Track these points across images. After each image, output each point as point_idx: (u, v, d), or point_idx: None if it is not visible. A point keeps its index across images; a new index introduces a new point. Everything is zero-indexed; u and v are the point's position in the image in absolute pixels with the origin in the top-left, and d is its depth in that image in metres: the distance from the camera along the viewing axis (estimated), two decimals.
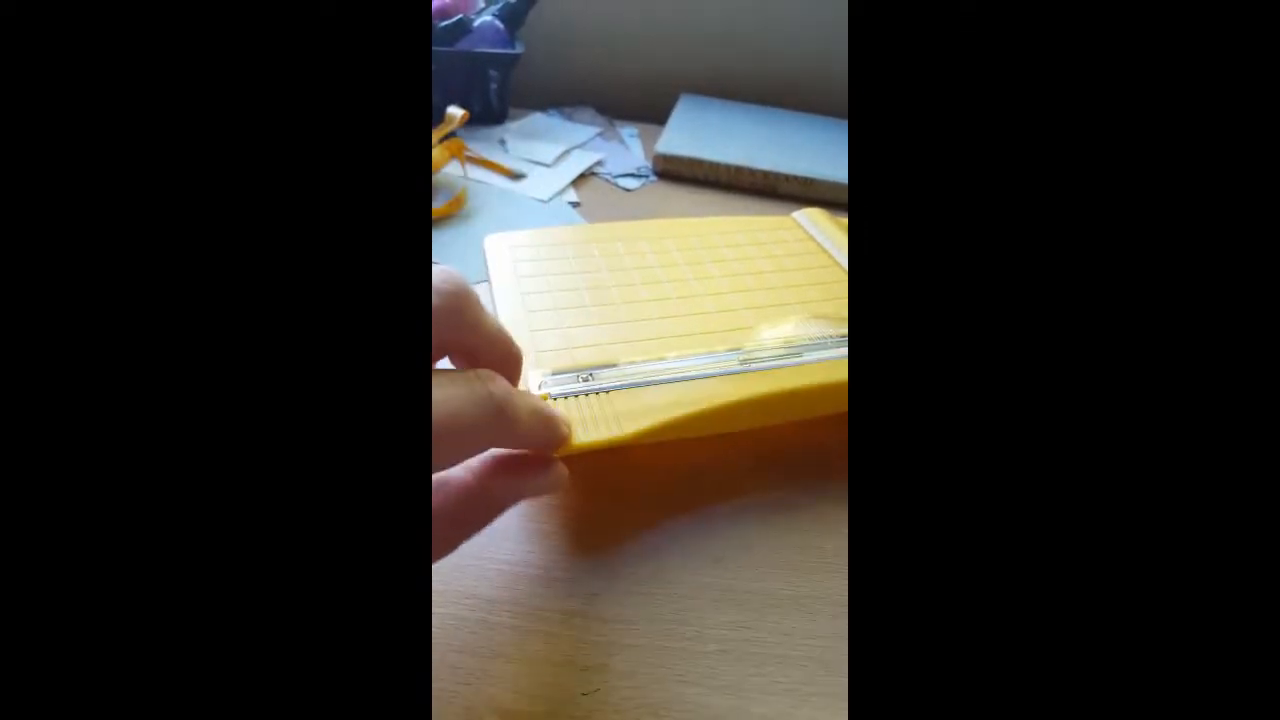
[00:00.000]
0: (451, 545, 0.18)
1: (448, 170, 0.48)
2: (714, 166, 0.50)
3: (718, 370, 0.26)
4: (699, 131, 0.54)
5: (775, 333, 0.28)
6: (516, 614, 0.21)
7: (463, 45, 0.53)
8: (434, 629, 0.21)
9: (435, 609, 0.21)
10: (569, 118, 0.59)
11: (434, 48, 0.52)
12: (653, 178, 0.51)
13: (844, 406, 0.27)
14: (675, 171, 0.51)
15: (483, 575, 0.22)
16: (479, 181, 0.48)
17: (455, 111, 0.46)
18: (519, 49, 0.55)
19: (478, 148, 0.51)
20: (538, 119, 0.58)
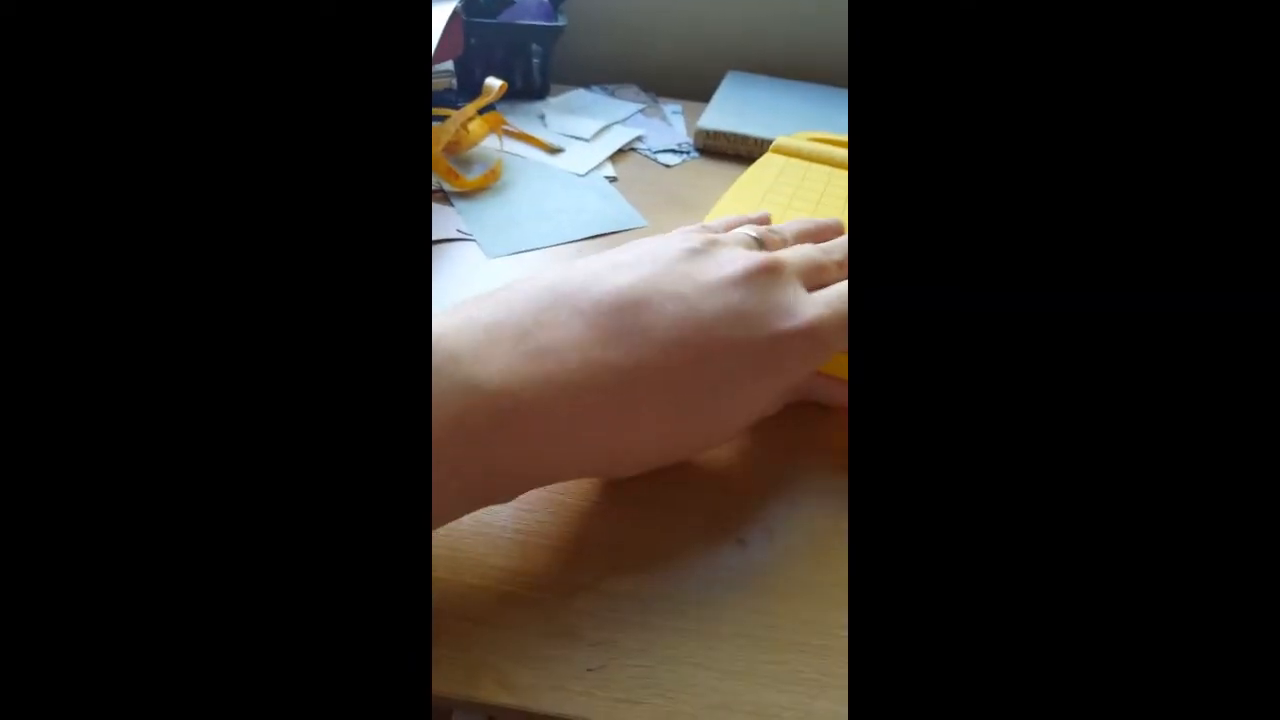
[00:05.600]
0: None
1: (485, 144, 0.47)
2: (756, 142, 0.48)
3: None
4: (743, 108, 0.52)
5: None
6: (527, 584, 0.21)
7: (505, 17, 0.53)
8: (441, 595, 0.20)
9: (444, 575, 0.21)
10: (612, 95, 0.58)
11: (475, 19, 0.51)
12: (694, 154, 0.49)
13: None
14: (716, 147, 0.49)
15: (495, 544, 0.22)
16: (516, 155, 0.47)
17: (494, 83, 0.46)
18: (562, 22, 0.55)
19: (517, 122, 0.50)
20: (580, 95, 0.57)
